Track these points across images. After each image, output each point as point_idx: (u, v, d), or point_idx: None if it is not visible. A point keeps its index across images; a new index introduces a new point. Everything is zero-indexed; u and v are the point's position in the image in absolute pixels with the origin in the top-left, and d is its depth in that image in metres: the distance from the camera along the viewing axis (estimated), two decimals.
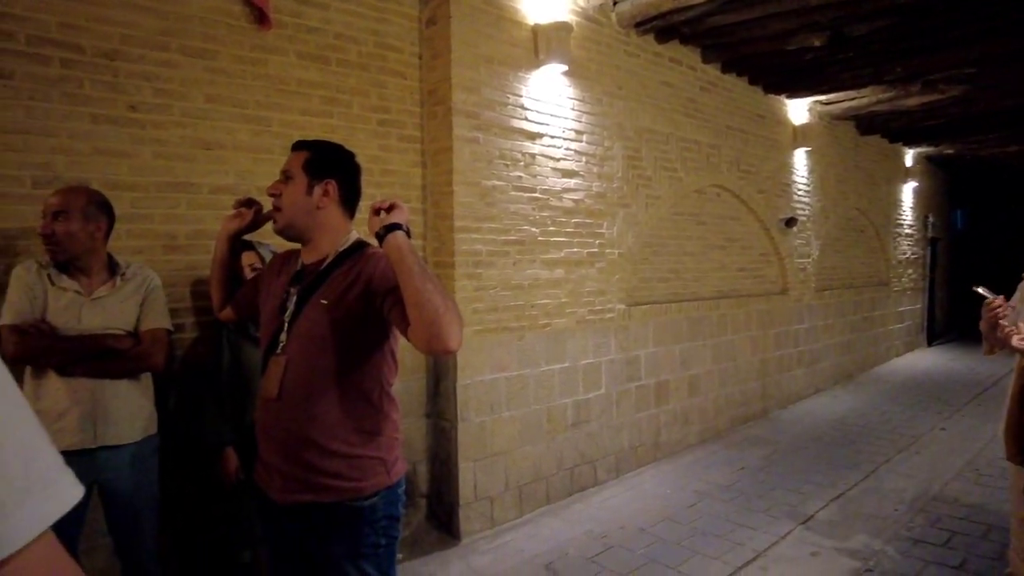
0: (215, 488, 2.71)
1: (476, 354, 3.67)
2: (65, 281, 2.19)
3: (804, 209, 6.98)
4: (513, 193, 3.87)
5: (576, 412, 4.29)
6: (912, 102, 6.63)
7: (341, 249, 1.75)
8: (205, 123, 2.90)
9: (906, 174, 9.74)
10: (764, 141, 6.24)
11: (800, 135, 6.70)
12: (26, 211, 2.43)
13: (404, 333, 1.56)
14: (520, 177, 3.91)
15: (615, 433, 4.61)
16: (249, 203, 1.94)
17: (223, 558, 2.88)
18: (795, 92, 6.41)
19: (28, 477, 0.52)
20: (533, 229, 3.99)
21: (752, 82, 5.96)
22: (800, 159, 6.89)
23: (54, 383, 2.13)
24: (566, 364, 4.22)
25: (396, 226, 1.56)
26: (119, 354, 2.22)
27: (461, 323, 1.51)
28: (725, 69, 5.58)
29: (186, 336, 2.87)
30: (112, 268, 2.31)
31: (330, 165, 1.76)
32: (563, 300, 4.20)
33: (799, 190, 6.89)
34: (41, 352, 2.10)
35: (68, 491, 0.55)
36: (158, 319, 2.34)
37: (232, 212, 1.94)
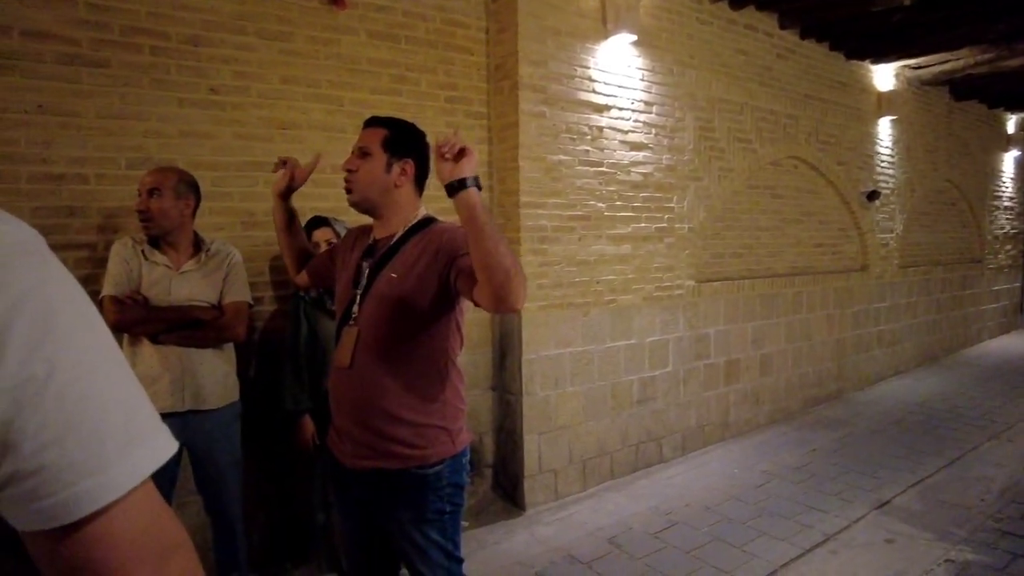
0: (292, 453, 2.87)
1: (541, 329, 3.70)
2: (157, 256, 2.35)
3: (888, 181, 6.59)
4: (579, 168, 3.83)
5: (642, 389, 4.27)
6: (1016, 63, 6.09)
7: (411, 224, 1.80)
8: (281, 103, 3.01)
9: (1007, 142, 9.00)
10: (845, 110, 5.92)
11: (885, 103, 6.30)
12: (122, 191, 2.60)
13: (469, 294, 1.58)
14: (587, 151, 3.87)
15: (682, 411, 4.55)
16: (283, 162, 2.03)
17: (299, 519, 3.05)
18: (880, 57, 6.02)
19: (129, 430, 0.56)
20: (599, 204, 3.95)
21: (833, 48, 5.63)
22: (885, 128, 6.50)
23: (148, 350, 2.30)
24: (632, 341, 4.19)
25: (467, 182, 1.47)
26: (205, 324, 2.37)
27: (526, 281, 1.52)
28: (804, 35, 5.30)
29: (265, 308, 3.02)
30: (197, 244, 2.46)
31: (408, 145, 1.80)
32: (630, 276, 4.16)
33: (883, 161, 6.50)
34: (137, 321, 2.27)
35: (165, 445, 0.60)
36: (239, 293, 2.48)
37: (276, 176, 2.04)
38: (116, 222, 2.60)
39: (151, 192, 2.28)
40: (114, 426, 0.55)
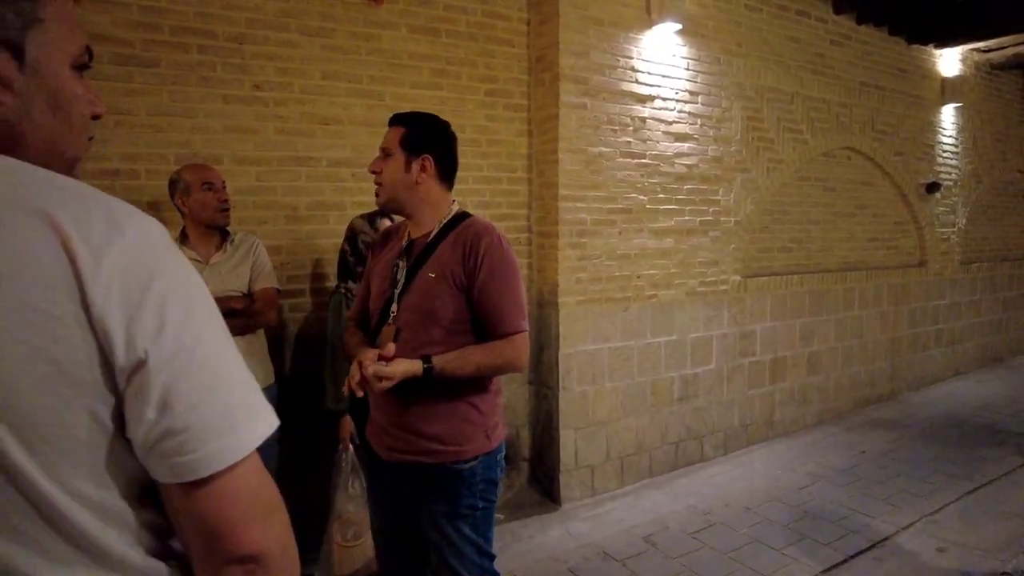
0: (320, 448, 2.86)
1: (578, 324, 3.67)
2: (186, 251, 2.44)
3: (950, 173, 6.27)
4: (621, 160, 3.78)
5: (683, 386, 4.20)
6: None
7: (444, 221, 1.80)
8: (323, 99, 3.06)
9: None
10: (904, 98, 5.64)
11: (949, 89, 5.98)
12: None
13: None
14: (629, 143, 3.81)
15: (725, 409, 4.46)
16: None
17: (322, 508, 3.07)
18: (946, 41, 5.70)
19: (249, 401, 0.68)
20: (641, 197, 3.89)
21: (892, 32, 5.37)
22: (948, 116, 6.17)
23: None
24: (673, 337, 4.12)
25: (425, 372, 1.63)
26: (239, 313, 2.44)
27: (524, 354, 1.75)
28: (861, 20, 5.07)
29: (305, 301, 3.09)
30: (223, 237, 2.55)
31: (426, 140, 1.78)
32: (672, 271, 4.08)
33: (945, 151, 6.19)
34: None
35: (273, 416, 0.71)
36: (268, 280, 2.56)
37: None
38: (164, 216, 2.69)
39: (223, 186, 2.50)
40: (240, 396, 0.66)
